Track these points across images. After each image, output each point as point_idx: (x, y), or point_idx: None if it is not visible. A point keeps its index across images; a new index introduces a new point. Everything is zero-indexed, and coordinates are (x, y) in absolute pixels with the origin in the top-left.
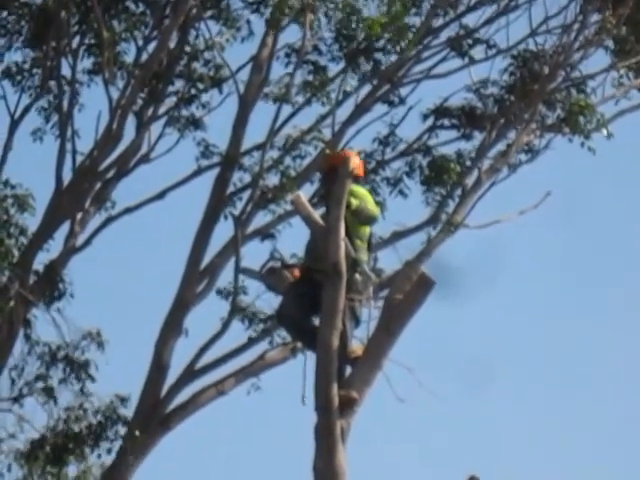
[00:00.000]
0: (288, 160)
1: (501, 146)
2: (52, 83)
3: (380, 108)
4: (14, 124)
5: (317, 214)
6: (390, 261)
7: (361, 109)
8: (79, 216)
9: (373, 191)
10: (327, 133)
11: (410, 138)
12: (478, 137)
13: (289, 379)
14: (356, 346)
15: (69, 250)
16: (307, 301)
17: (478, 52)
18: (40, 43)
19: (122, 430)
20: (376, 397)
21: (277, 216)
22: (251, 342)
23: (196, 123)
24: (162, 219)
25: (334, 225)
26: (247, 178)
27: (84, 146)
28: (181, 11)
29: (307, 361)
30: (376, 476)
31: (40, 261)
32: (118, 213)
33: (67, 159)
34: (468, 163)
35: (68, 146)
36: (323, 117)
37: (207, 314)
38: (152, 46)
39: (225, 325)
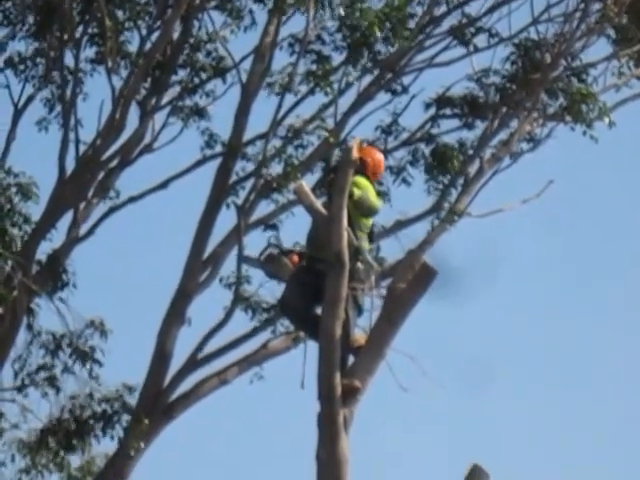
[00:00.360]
0: (290, 149)
1: (503, 135)
2: (55, 73)
3: (383, 97)
4: (17, 114)
5: (319, 203)
6: (392, 250)
7: (364, 98)
8: (82, 205)
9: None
10: (330, 122)
11: (413, 127)
12: (480, 126)
13: (292, 368)
14: (359, 335)
15: (72, 239)
16: (310, 290)
17: (480, 41)
18: (43, 33)
19: (128, 419)
20: (379, 386)
21: (280, 205)
22: (254, 331)
23: (199, 113)
24: (165, 208)
25: (337, 214)
26: (250, 167)
27: (87, 135)
28: (184, 1)
29: (307, 348)
30: (379, 465)
31: (43, 250)
32: (121, 202)
33: (70, 148)
34: (470, 152)
35: (71, 135)
36: (326, 106)
37: (210, 303)
38: (155, 36)
39: (228, 314)
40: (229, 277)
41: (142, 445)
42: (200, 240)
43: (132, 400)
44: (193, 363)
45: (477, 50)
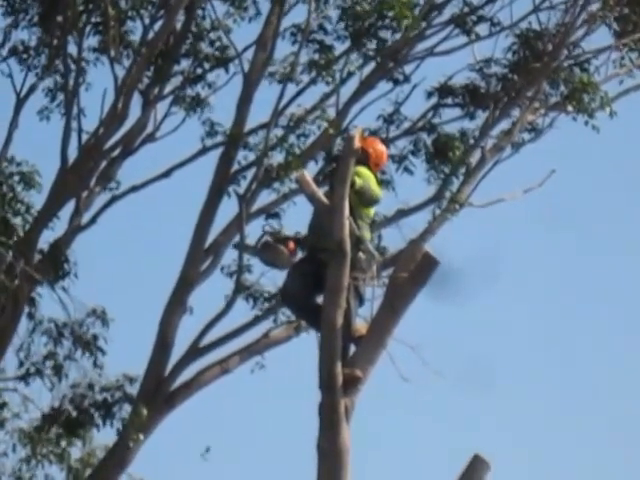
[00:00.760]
0: (292, 139)
1: (505, 125)
2: (58, 62)
3: (384, 86)
4: (20, 102)
5: (321, 192)
6: (394, 240)
7: (365, 86)
8: (84, 194)
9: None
10: (331, 111)
11: (414, 116)
12: (482, 116)
13: (293, 358)
14: (360, 325)
15: (74, 228)
16: (311, 280)
17: (482, 30)
18: (47, 22)
19: (128, 409)
20: (380, 376)
21: (281, 195)
22: (255, 320)
23: (201, 102)
24: (167, 198)
25: (338, 203)
26: (252, 156)
27: (90, 125)
28: None
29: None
30: (379, 454)
31: (45, 239)
32: (123, 192)
33: (73, 137)
34: (472, 142)
35: (74, 124)
36: (327, 95)
37: (211, 292)
38: (158, 25)
39: (229, 303)
40: (230, 266)
41: (141, 436)
42: (202, 229)
43: (132, 390)
44: (194, 352)
45: (478, 39)
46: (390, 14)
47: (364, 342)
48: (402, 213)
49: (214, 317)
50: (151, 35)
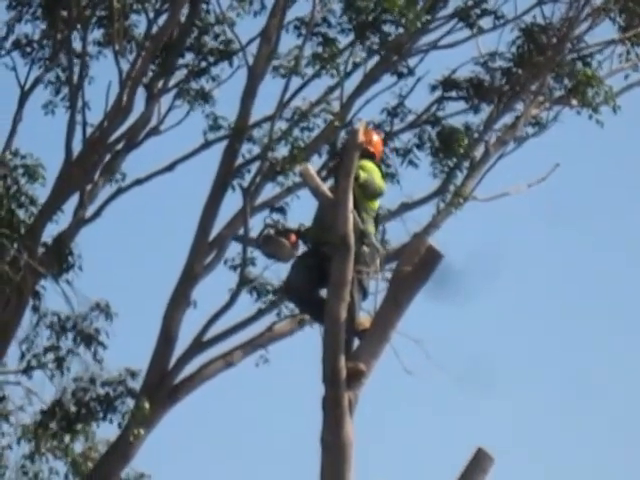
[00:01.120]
0: (297, 132)
1: (509, 118)
2: (62, 55)
3: (389, 79)
4: (24, 96)
5: (325, 186)
6: (398, 233)
7: (369, 80)
8: (89, 188)
9: (383, 162)
10: (335, 105)
11: (419, 109)
12: (486, 109)
13: (297, 351)
14: (364, 318)
15: (78, 221)
16: (315, 273)
17: (486, 23)
18: (50, 15)
19: (131, 403)
20: (384, 369)
21: (285, 188)
22: (259, 314)
23: (205, 96)
24: (171, 191)
25: (342, 197)
26: (256, 150)
27: (94, 118)
28: None
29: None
30: (383, 448)
31: (49, 233)
32: (127, 185)
33: (77, 131)
34: (476, 135)
35: (78, 118)
36: (332, 89)
37: (215, 286)
38: (162, 19)
39: (233, 297)
40: (234, 259)
41: (142, 431)
42: (206, 222)
43: (135, 384)
44: (198, 346)
45: (482, 32)
46: (394, 9)
47: (368, 336)
48: (406, 206)
49: (218, 311)
50: (155, 29)
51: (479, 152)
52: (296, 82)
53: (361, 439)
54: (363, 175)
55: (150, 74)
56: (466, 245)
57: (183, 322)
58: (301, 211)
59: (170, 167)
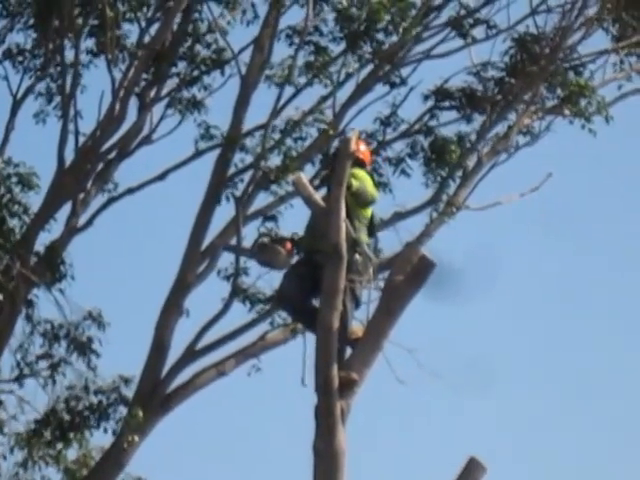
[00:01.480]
0: (289, 141)
1: (501, 128)
2: (54, 64)
3: (381, 88)
4: (16, 105)
5: (318, 195)
6: (390, 242)
7: (362, 89)
8: (81, 196)
9: (375, 171)
10: (328, 114)
11: (411, 119)
12: (478, 119)
13: (290, 360)
14: (356, 327)
15: (70, 230)
16: (307, 282)
17: (478, 33)
18: (42, 24)
19: (124, 411)
20: (376, 378)
21: (278, 197)
22: (252, 323)
23: (197, 105)
24: (163, 200)
25: (335, 206)
26: (248, 159)
27: (86, 127)
28: None
29: (307, 343)
30: (375, 457)
31: (42, 241)
32: (120, 194)
33: (69, 140)
34: (468, 145)
35: (71, 127)
36: (324, 98)
37: (208, 295)
38: (155, 28)
39: (226, 306)
40: (227, 269)
41: (137, 438)
42: (198, 231)
43: (128, 392)
44: (191, 354)
45: (475, 42)
46: (386, 17)
47: (360, 345)
48: (399, 216)
49: (210, 320)
50: (147, 38)
51: (472, 162)
52: (289, 91)
53: (353, 448)
54: (355, 183)
55: (142, 83)
56: (461, 249)
57: (176, 331)
58: (294, 220)
59: (162, 176)
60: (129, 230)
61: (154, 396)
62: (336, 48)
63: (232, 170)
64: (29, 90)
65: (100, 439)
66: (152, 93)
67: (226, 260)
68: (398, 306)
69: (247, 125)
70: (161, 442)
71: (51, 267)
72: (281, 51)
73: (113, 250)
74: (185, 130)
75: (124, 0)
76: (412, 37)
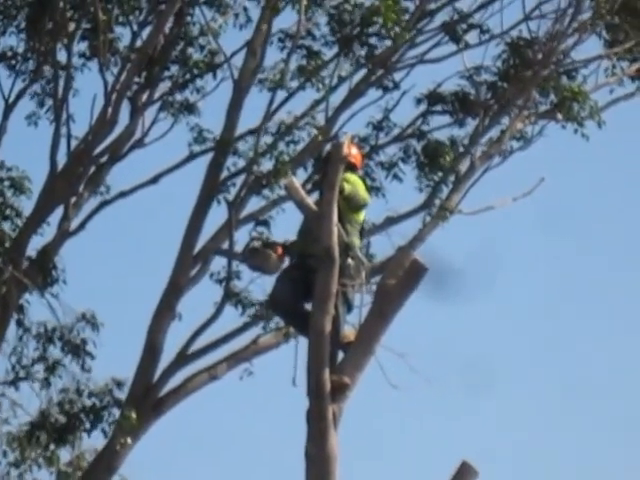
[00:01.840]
0: (282, 145)
1: (494, 132)
2: (46, 67)
3: (374, 93)
4: (8, 108)
5: (310, 199)
6: (383, 247)
7: (355, 94)
8: (73, 200)
9: (367, 176)
10: (321, 118)
11: (404, 123)
12: (471, 123)
13: (282, 364)
14: (348, 331)
15: (63, 234)
16: (300, 286)
17: (472, 37)
18: (34, 28)
19: (117, 413)
20: (369, 382)
21: (271, 201)
22: (244, 327)
23: (190, 108)
24: (156, 203)
25: (327, 210)
26: (241, 163)
27: (79, 130)
28: None
29: (299, 345)
30: (368, 461)
31: (34, 245)
32: (112, 197)
33: (62, 143)
34: (461, 149)
35: (63, 130)
36: (317, 102)
37: (200, 299)
38: (147, 31)
39: (218, 310)
40: (219, 272)
41: (129, 440)
42: (191, 235)
43: (121, 394)
44: (183, 358)
45: (468, 47)
46: (379, 20)
47: (352, 349)
48: (391, 220)
49: (203, 323)
50: (140, 41)
51: (464, 166)
52: (281, 95)
53: (345, 452)
54: (347, 187)
55: (135, 86)
56: (460, 251)
57: (168, 335)
58: (286, 224)
59: (154, 179)
60: (121, 234)
61: (146, 399)
62: (329, 52)
63: (225, 174)
64: (21, 93)
65: (93, 441)
66: (144, 96)
67: (218, 264)
68: (390, 310)
69: (240, 129)
70: (153, 445)
71: (43, 271)
72: (274, 55)
73: (105, 254)
74: (177, 134)
75: (116, 3)
76: (405, 41)
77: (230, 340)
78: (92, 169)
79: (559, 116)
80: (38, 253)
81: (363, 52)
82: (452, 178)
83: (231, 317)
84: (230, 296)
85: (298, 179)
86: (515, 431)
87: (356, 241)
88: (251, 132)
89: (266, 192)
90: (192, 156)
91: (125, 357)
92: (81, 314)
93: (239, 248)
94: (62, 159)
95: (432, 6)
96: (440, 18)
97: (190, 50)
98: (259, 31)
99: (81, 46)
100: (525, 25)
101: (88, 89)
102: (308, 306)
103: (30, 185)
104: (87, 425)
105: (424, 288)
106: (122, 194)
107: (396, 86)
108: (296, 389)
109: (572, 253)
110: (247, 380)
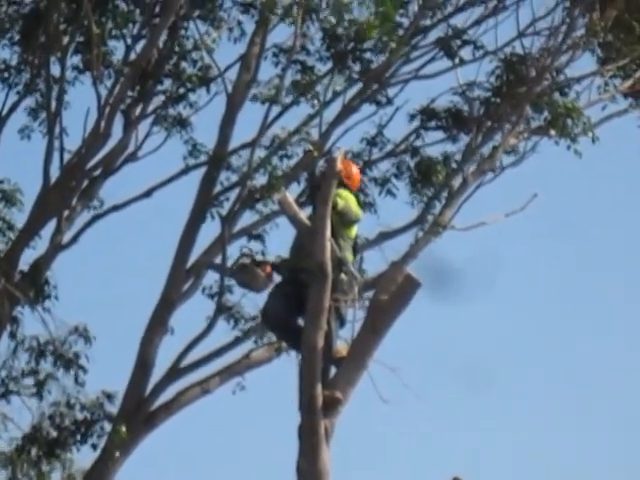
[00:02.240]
0: (275, 160)
1: (487, 148)
2: (40, 81)
3: (368, 108)
4: (1, 121)
5: (303, 214)
6: (376, 262)
7: (349, 109)
8: (66, 213)
9: (361, 191)
10: (315, 133)
11: (397, 139)
12: (464, 139)
13: (274, 379)
14: (341, 346)
15: (55, 247)
16: (292, 301)
17: (466, 53)
18: (28, 40)
19: (108, 427)
20: (361, 398)
21: (264, 216)
22: (236, 341)
23: (183, 122)
24: (149, 217)
25: (320, 225)
26: (234, 178)
27: (72, 144)
28: (171, 10)
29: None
30: (360, 477)
31: (27, 259)
32: (105, 211)
33: (55, 157)
34: (454, 165)
35: (56, 144)
36: (311, 117)
37: (192, 313)
38: (141, 45)
39: (210, 324)
40: (212, 287)
41: (119, 454)
42: (183, 249)
43: (112, 408)
44: (175, 372)
45: (463, 62)
46: (373, 35)
47: (345, 364)
48: (384, 236)
49: (195, 337)
50: (133, 55)
51: (457, 182)
52: (275, 109)
53: (337, 467)
54: (340, 203)
55: (128, 100)
56: (460, 251)
57: (160, 349)
58: (279, 239)
59: (147, 193)
60: (114, 247)
61: (138, 413)
62: (323, 67)
63: (218, 188)
64: (15, 106)
65: (84, 455)
66: (138, 110)
67: (211, 278)
68: (383, 325)
69: (233, 143)
70: (145, 459)
71: (35, 286)
72: (268, 69)
73: (98, 267)
74: (170, 147)
75: (110, 17)
76: (399, 57)
77: (222, 354)
78: (85, 182)
79: (552, 132)
80: (30, 267)
81: (357, 67)
82: (445, 194)
83: (223, 331)
84: (222, 310)
85: (291, 194)
86: (515, 431)
87: (349, 256)
88: (244, 146)
89: (259, 207)
90: (186, 170)
91: (117, 370)
92: (73, 327)
93: (232, 263)
94: (55, 172)
95: (427, 22)
96: (435, 35)
97: (184, 64)
98: (253, 45)
99: (75, 59)
100: (519, 42)
101: (81, 102)
102: (300, 321)
103: (22, 198)
104: (79, 439)
105: (424, 288)
106: (115, 207)
107: (390, 101)
108: (288, 404)
109: (564, 264)
110: (239, 394)
